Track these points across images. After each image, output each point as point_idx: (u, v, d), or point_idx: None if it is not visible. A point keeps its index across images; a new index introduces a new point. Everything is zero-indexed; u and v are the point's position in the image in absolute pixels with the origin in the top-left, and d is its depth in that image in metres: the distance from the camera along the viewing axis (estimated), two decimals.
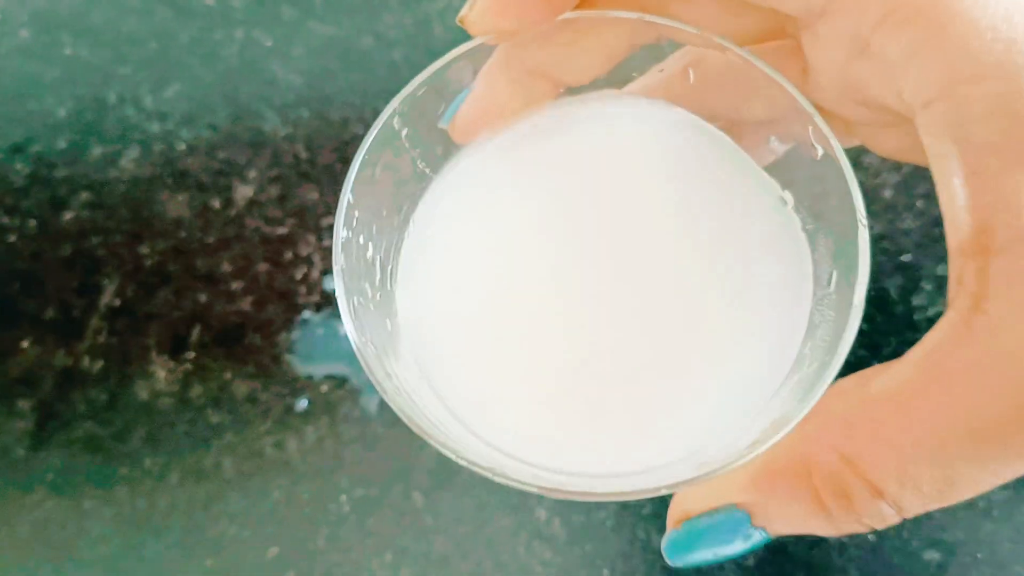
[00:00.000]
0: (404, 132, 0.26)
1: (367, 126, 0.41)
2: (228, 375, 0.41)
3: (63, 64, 0.47)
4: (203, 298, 0.42)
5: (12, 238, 0.44)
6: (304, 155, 0.43)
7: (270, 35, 0.46)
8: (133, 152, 0.45)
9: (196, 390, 0.41)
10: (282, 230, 0.42)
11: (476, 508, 0.36)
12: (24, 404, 0.42)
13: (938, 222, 0.35)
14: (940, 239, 0.35)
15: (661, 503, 0.35)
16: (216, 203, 0.43)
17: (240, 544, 0.39)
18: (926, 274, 0.37)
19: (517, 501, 0.37)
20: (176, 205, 0.44)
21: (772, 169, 0.26)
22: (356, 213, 0.25)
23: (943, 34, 0.19)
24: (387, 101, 0.41)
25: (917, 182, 0.38)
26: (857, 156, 0.34)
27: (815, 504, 0.21)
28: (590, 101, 0.27)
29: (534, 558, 0.37)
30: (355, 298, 0.25)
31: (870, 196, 0.38)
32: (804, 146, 0.24)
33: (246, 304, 0.41)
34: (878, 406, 0.20)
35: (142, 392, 0.41)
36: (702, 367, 0.25)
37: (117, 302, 0.43)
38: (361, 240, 0.26)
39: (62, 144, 0.46)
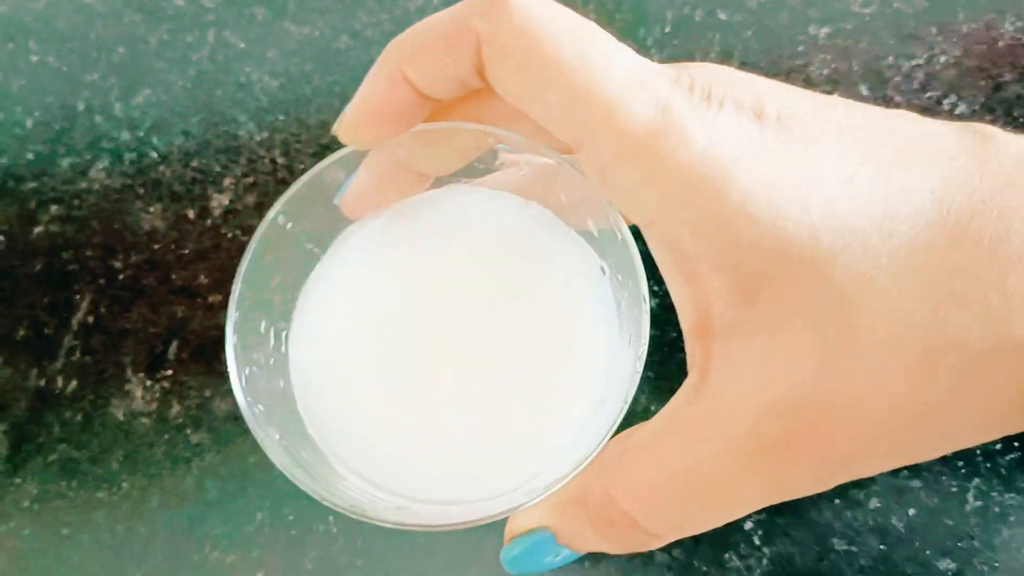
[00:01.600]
0: (289, 226, 0.32)
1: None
2: (208, 392, 0.40)
3: (29, 72, 0.46)
4: (180, 312, 0.41)
5: None
6: (281, 160, 0.42)
7: (243, 37, 0.44)
8: (104, 162, 0.43)
9: (175, 409, 0.40)
10: None
11: (470, 528, 0.35)
12: None
13: None
14: None
15: None
16: (191, 213, 0.42)
17: (225, 569, 0.38)
18: None
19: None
20: (150, 216, 0.43)
21: (593, 244, 0.32)
22: (248, 297, 0.31)
23: (659, 169, 0.23)
24: None
25: None
26: None
27: (593, 529, 0.27)
28: (449, 190, 0.34)
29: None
30: (248, 368, 0.30)
31: None
32: (609, 230, 0.30)
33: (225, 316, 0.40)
34: (633, 451, 0.26)
35: (118, 412, 0.40)
36: (529, 411, 0.31)
37: (91, 319, 0.42)
38: (253, 316, 0.31)
39: (29, 155, 0.44)
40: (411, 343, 0.33)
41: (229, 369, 0.30)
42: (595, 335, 0.32)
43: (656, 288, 0.37)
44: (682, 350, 0.36)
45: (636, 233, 0.28)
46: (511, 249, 0.33)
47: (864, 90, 0.38)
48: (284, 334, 0.33)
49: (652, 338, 0.36)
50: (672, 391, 0.35)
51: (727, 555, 0.34)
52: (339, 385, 0.33)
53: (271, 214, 0.31)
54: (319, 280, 0.34)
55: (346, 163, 0.32)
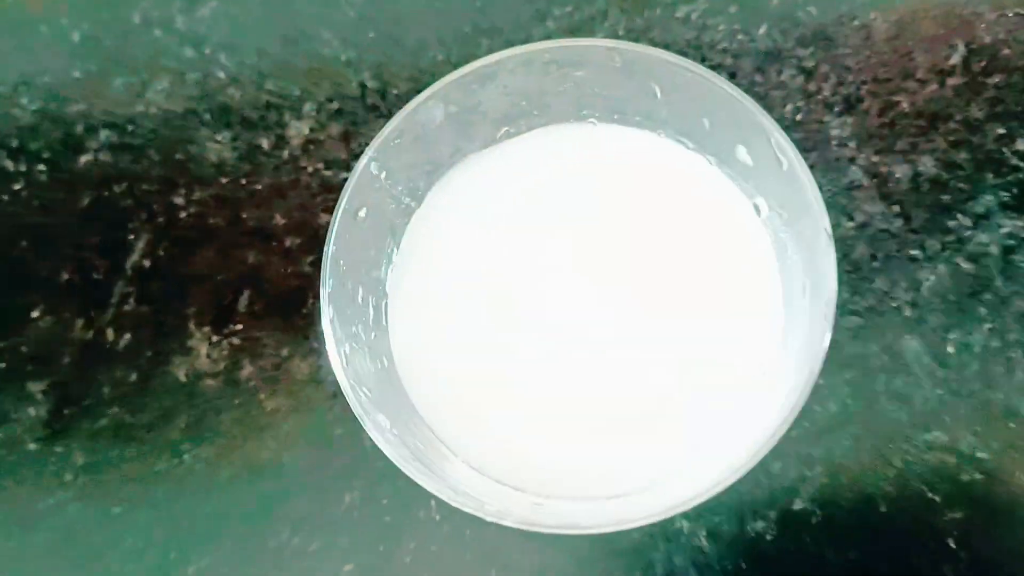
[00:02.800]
0: (383, 175, 0.28)
1: (448, 50, 0.35)
2: (285, 351, 0.35)
3: None
4: (252, 257, 0.36)
5: (18, 186, 0.38)
6: (372, 84, 0.37)
7: None
8: (163, 83, 0.38)
9: (246, 369, 0.35)
10: (346, 175, 0.35)
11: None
12: (36, 387, 0.36)
13: None
14: None
15: (835, 513, 0.29)
16: (265, 143, 0.37)
17: (306, 558, 0.33)
18: None
19: None
20: (217, 146, 0.37)
21: (744, 178, 0.28)
22: (341, 262, 0.27)
23: None
24: (471, 18, 0.35)
25: None
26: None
27: None
28: (566, 128, 0.30)
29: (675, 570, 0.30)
30: (347, 345, 0.26)
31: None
32: (768, 157, 0.26)
33: (305, 264, 0.35)
34: None
35: (180, 372, 0.35)
36: (680, 391, 0.28)
37: (147, 263, 0.37)
38: (349, 286, 0.28)
39: (77, 74, 0.39)
40: (533, 317, 0.29)
41: (328, 348, 0.26)
42: (756, 292, 0.28)
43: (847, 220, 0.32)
44: (853, 313, 0.31)
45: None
46: (647, 193, 0.29)
47: None
48: (384, 304, 0.30)
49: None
50: (848, 364, 0.30)
51: (916, 559, 0.29)
52: (450, 363, 0.29)
53: (362, 162, 0.27)
54: (418, 238, 0.30)
55: (444, 96, 0.28)
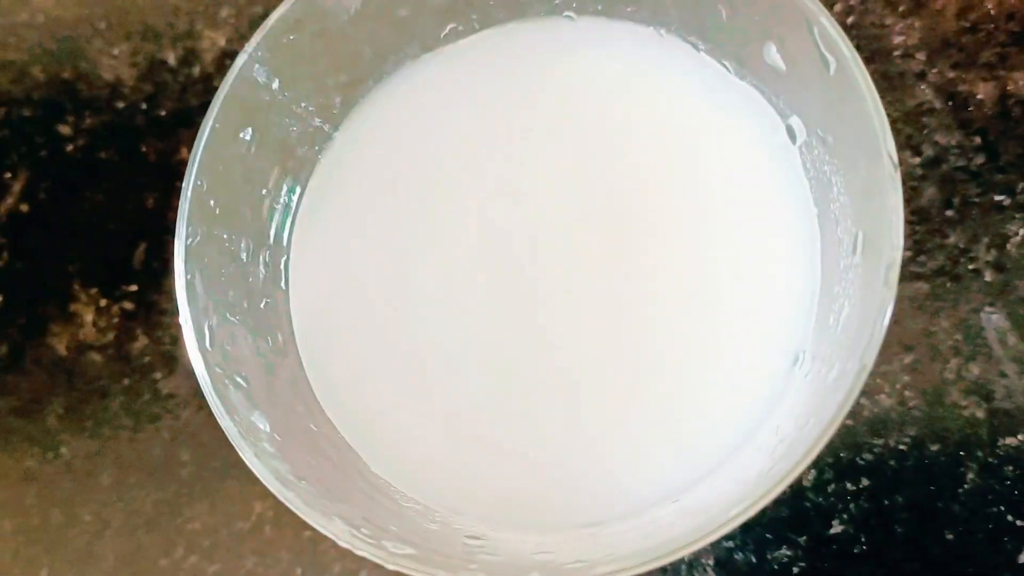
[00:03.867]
0: (275, 85, 0.22)
1: None
2: None
3: None
4: (152, 202, 0.31)
5: None
6: None
7: None
8: None
9: (139, 342, 0.30)
10: None
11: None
12: None
13: None
14: None
15: (886, 541, 0.23)
16: (171, 58, 0.32)
17: None
18: None
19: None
20: (113, 62, 0.32)
21: (776, 90, 0.22)
22: (212, 202, 0.21)
23: None
24: None
25: None
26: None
27: None
28: (538, 25, 0.24)
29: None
30: (214, 318, 0.21)
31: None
32: (811, 58, 0.20)
33: None
34: None
35: (59, 344, 0.31)
36: (688, 379, 0.22)
37: (24, 207, 0.32)
38: (224, 236, 0.22)
39: None
40: (483, 272, 0.23)
41: (182, 320, 0.21)
42: (785, 249, 0.22)
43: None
44: (919, 277, 0.24)
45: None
46: (639, 112, 0.23)
47: None
48: (283, 261, 0.24)
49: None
50: (908, 346, 0.24)
51: None
52: (370, 343, 0.23)
53: (239, 61, 0.22)
54: (332, 177, 0.24)
55: None
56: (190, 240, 0.20)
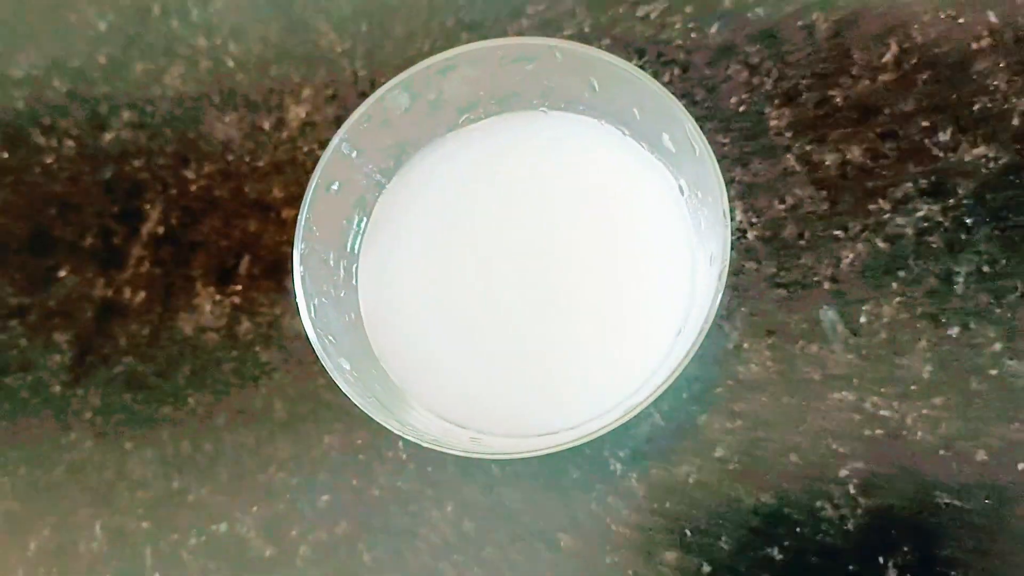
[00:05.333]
0: (354, 155, 0.33)
1: (433, 41, 0.40)
2: (279, 310, 0.40)
3: None
4: (252, 226, 0.41)
5: (49, 159, 0.44)
6: (363, 72, 0.42)
7: None
8: (178, 68, 0.44)
9: (244, 325, 0.40)
10: None
11: (546, 459, 0.35)
12: (61, 337, 0.41)
13: None
14: None
15: (752, 460, 0.34)
16: (267, 124, 0.42)
17: (290, 491, 0.38)
18: None
19: (591, 452, 0.36)
20: (224, 126, 0.43)
21: (670, 161, 0.33)
22: (315, 228, 0.32)
23: None
24: (454, 14, 0.40)
25: None
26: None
27: None
28: (520, 116, 0.35)
29: (608, 514, 0.35)
30: (316, 299, 0.32)
31: (995, 123, 0.35)
32: (686, 144, 0.30)
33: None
34: None
35: (187, 326, 0.41)
36: (609, 339, 0.32)
37: (161, 229, 0.42)
38: (320, 249, 0.32)
39: (102, 59, 0.45)
40: (484, 274, 0.34)
41: (298, 301, 0.31)
42: (677, 257, 0.33)
43: (750, 212, 0.36)
44: (779, 285, 0.35)
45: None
46: (587, 173, 0.34)
47: (992, 16, 0.36)
48: (354, 267, 0.35)
49: (749, 271, 0.35)
50: (770, 331, 0.34)
51: (820, 503, 0.34)
52: (410, 319, 0.34)
53: (334, 141, 0.32)
54: (387, 211, 0.35)
55: (408, 85, 0.32)
56: (303, 250, 0.31)
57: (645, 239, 0.33)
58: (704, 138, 0.30)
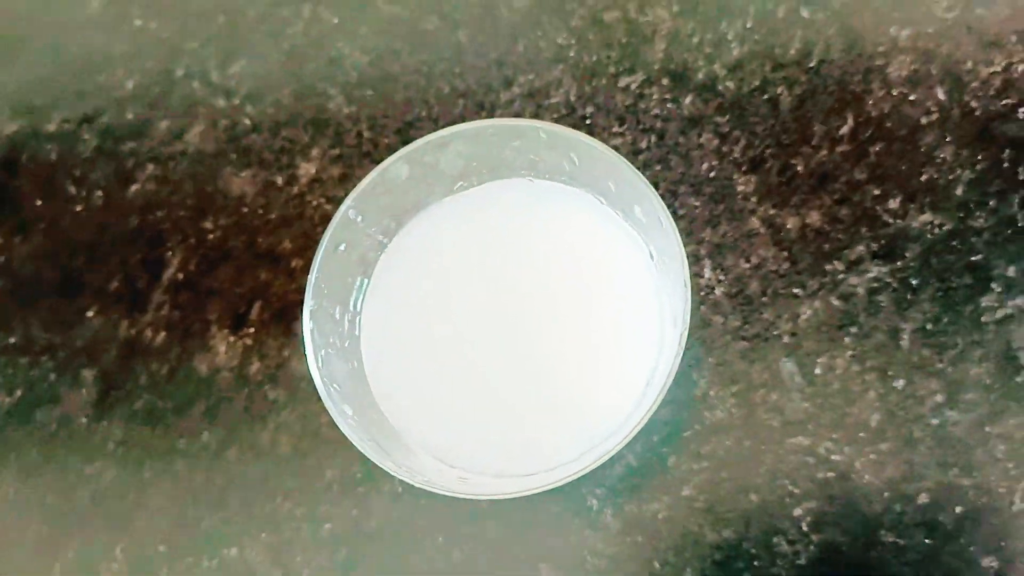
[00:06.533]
0: (359, 219, 0.36)
1: (430, 108, 0.43)
2: (286, 352, 0.43)
3: (132, 37, 0.49)
4: (263, 275, 0.44)
5: (79, 208, 0.47)
6: (367, 134, 0.45)
7: (336, 13, 0.47)
8: (199, 127, 0.46)
9: (255, 366, 0.43)
10: None
11: (528, 495, 0.37)
12: (88, 374, 0.44)
13: (1011, 221, 0.36)
14: (1013, 238, 0.35)
15: (716, 499, 0.36)
16: (279, 180, 0.45)
17: (294, 520, 0.40)
18: (996, 275, 0.37)
19: (570, 490, 0.38)
20: (240, 181, 0.46)
21: (641, 230, 0.35)
22: (323, 285, 0.35)
23: None
24: (450, 82, 0.42)
25: (991, 179, 0.38)
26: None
27: None
28: (509, 184, 0.37)
29: (585, 547, 0.38)
30: (323, 351, 0.34)
31: (941, 192, 0.38)
32: (654, 217, 0.33)
33: (305, 283, 0.43)
34: None
35: (202, 366, 0.43)
36: (584, 389, 0.35)
37: (180, 276, 0.45)
38: (327, 304, 0.35)
39: (130, 116, 0.47)
40: (473, 327, 0.36)
41: (307, 352, 0.34)
42: (646, 316, 0.35)
43: (716, 274, 0.39)
44: (743, 338, 0.38)
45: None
46: (567, 236, 0.37)
47: (940, 93, 0.39)
48: (357, 319, 0.37)
49: (716, 324, 0.38)
50: (735, 380, 0.37)
51: (776, 539, 0.36)
52: (407, 368, 0.36)
53: (343, 208, 0.35)
54: (387, 270, 0.38)
55: (410, 158, 0.35)
56: (312, 306, 0.34)
57: (618, 298, 0.35)
58: (668, 214, 0.32)
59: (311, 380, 0.39)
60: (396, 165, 0.35)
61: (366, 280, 0.38)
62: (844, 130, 0.40)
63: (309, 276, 0.34)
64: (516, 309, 0.36)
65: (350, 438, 0.32)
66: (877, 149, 0.40)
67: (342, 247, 0.36)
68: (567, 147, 0.35)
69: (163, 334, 0.44)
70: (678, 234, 0.32)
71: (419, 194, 0.38)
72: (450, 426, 0.35)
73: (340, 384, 0.35)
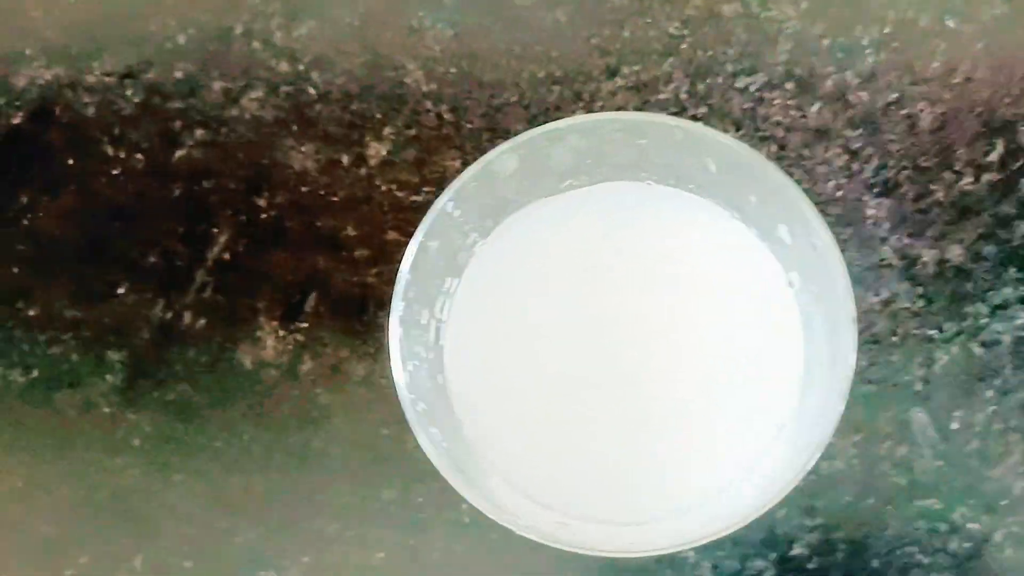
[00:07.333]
0: (457, 213, 0.31)
1: (521, 93, 0.38)
2: (344, 352, 0.38)
3: None
4: (322, 262, 0.39)
5: (116, 172, 0.42)
6: (449, 116, 0.40)
7: None
8: (257, 91, 0.41)
9: (307, 364, 0.38)
10: (417, 198, 0.39)
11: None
12: (115, 356, 0.40)
13: None
14: None
15: (830, 562, 0.32)
16: (345, 159, 0.40)
17: (343, 543, 0.36)
18: None
19: None
20: (301, 156, 0.40)
21: (782, 254, 0.31)
22: (412, 288, 0.30)
23: None
24: (545, 67, 0.38)
25: None
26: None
27: None
28: (625, 186, 0.33)
29: None
30: (410, 363, 0.30)
31: None
32: (805, 239, 0.29)
33: (371, 275, 0.38)
34: None
35: (246, 359, 0.39)
36: (702, 432, 0.31)
37: (227, 256, 0.40)
38: (415, 308, 0.31)
39: (179, 74, 0.42)
40: (576, 351, 0.32)
41: (393, 364, 0.29)
42: (783, 351, 0.31)
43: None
44: (869, 381, 0.34)
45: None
46: (690, 252, 0.33)
47: None
48: (441, 327, 0.33)
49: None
50: (857, 428, 0.33)
51: None
52: (497, 386, 0.32)
53: (441, 201, 0.30)
54: (481, 272, 0.33)
55: (518, 150, 0.31)
56: (401, 311, 0.29)
57: (752, 328, 0.31)
58: (832, 239, 0.28)
59: (370, 385, 0.35)
60: (503, 158, 0.31)
61: (456, 282, 0.33)
62: (992, 157, 0.36)
63: (399, 274, 0.30)
64: (627, 329, 0.32)
65: (441, 470, 0.28)
66: None
67: (435, 244, 0.31)
68: (703, 151, 0.30)
69: (203, 319, 0.39)
70: (842, 261, 0.27)
71: (521, 190, 0.33)
72: (547, 460, 0.31)
73: (427, 403, 0.30)
